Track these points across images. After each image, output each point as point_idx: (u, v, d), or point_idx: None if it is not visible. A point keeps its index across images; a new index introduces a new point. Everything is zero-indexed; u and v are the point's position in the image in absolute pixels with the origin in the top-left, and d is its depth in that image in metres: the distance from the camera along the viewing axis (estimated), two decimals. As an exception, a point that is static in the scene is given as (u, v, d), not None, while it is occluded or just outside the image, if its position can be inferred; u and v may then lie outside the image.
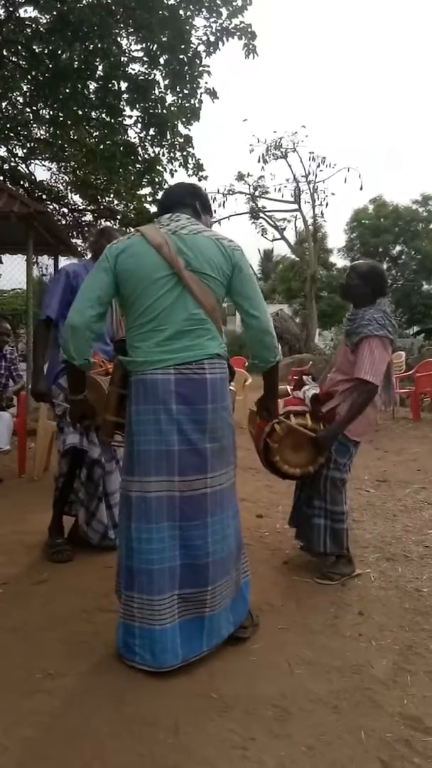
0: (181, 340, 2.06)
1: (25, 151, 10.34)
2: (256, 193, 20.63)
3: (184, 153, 8.64)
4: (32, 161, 10.72)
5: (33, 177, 10.72)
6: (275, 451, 2.76)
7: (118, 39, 7.42)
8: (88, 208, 11.18)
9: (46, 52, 7.09)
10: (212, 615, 2.13)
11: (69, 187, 11.30)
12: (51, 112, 8.15)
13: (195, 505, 2.08)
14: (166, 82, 7.93)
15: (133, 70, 7.83)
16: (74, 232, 11.76)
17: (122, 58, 7.46)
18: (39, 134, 9.92)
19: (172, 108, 8.06)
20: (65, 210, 11.46)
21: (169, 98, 8.09)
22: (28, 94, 8.18)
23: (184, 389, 2.05)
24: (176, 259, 2.05)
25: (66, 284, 3.12)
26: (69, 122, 8.10)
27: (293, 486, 3.23)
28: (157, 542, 2.04)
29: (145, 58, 7.81)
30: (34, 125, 9.51)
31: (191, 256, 2.07)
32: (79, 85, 7.27)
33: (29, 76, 7.62)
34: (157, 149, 8.75)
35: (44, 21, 7.30)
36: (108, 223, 10.96)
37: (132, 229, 2.26)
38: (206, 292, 2.09)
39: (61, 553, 3.09)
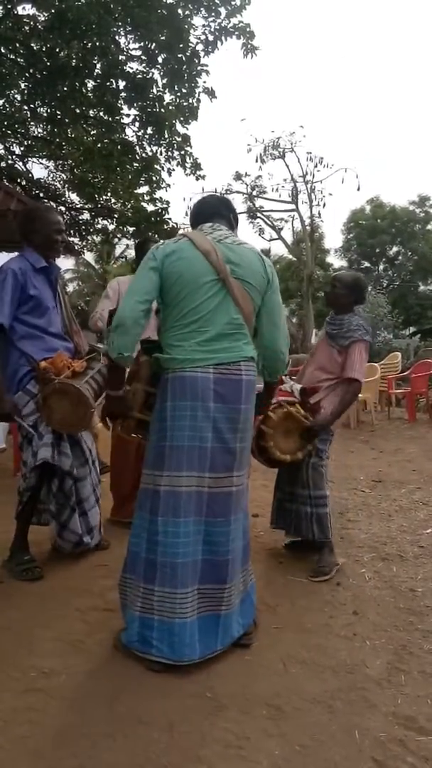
0: (221, 342, 2.15)
1: (22, 148, 10.31)
2: (254, 193, 20.64)
3: (182, 152, 8.63)
4: (30, 159, 10.69)
5: (30, 175, 10.69)
6: (269, 437, 2.85)
7: (117, 37, 7.41)
8: (86, 206, 11.16)
9: (44, 49, 7.08)
10: (227, 613, 2.18)
11: (66, 186, 11.28)
12: (49, 110, 8.13)
13: (221, 503, 2.16)
14: (165, 80, 7.92)
15: (131, 68, 7.83)
16: (71, 231, 11.74)
17: (120, 57, 7.45)
18: (36, 132, 9.90)
19: (170, 107, 8.05)
20: (62, 208, 11.42)
21: (167, 97, 8.10)
22: (25, 91, 8.15)
23: (222, 388, 2.13)
24: (223, 266, 2.15)
25: (15, 285, 2.81)
26: (67, 120, 8.08)
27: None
28: (184, 536, 2.09)
29: (143, 57, 7.80)
30: (32, 123, 9.49)
31: (237, 264, 2.19)
32: (77, 83, 7.26)
33: (27, 74, 7.60)
34: (154, 148, 8.74)
35: (42, 19, 7.28)
36: (105, 222, 10.96)
37: (179, 234, 2.34)
38: (246, 299, 2.20)
39: (31, 571, 2.86)
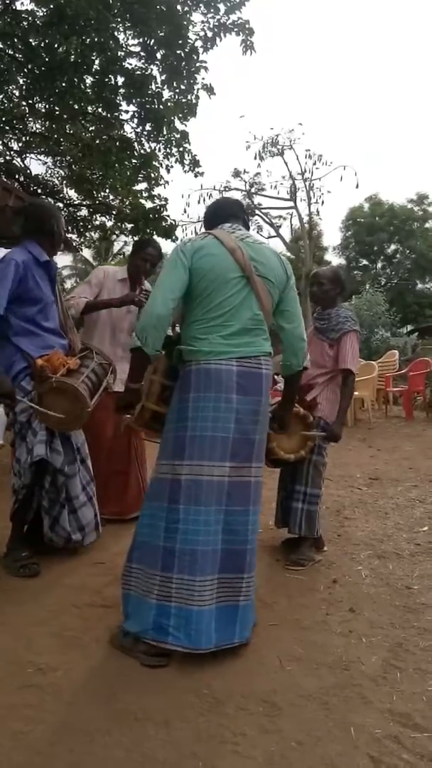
0: (243, 336, 2.22)
1: (20, 144, 10.27)
2: (252, 190, 20.60)
3: (181, 149, 8.58)
4: (28, 155, 10.65)
5: (28, 171, 10.65)
6: (272, 437, 2.84)
7: (115, 33, 7.35)
8: (84, 202, 11.12)
9: (42, 45, 7.02)
10: (245, 605, 2.21)
11: (64, 182, 11.23)
12: (47, 106, 8.08)
13: (241, 492, 2.21)
14: (163, 77, 7.87)
15: (130, 64, 7.76)
16: (69, 227, 11.70)
17: (119, 53, 7.39)
18: (35, 128, 9.85)
19: (169, 103, 8.00)
20: (60, 205, 11.39)
21: (166, 94, 8.04)
22: (24, 87, 8.09)
23: (244, 381, 2.20)
24: (249, 263, 2.24)
25: (15, 276, 2.78)
26: (65, 116, 8.04)
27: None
28: (204, 524, 2.13)
29: (142, 53, 7.75)
30: (30, 119, 9.44)
31: (259, 263, 2.28)
32: (76, 79, 7.20)
33: (25, 70, 7.55)
34: (153, 145, 8.68)
35: (41, 14, 7.23)
36: (103, 219, 10.93)
37: (204, 232, 2.42)
38: (267, 296, 2.29)
39: (28, 567, 2.86)
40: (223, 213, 2.50)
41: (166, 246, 7.41)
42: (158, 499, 2.21)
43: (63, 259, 26.35)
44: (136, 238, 9.51)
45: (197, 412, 2.17)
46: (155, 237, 8.88)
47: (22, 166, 10.52)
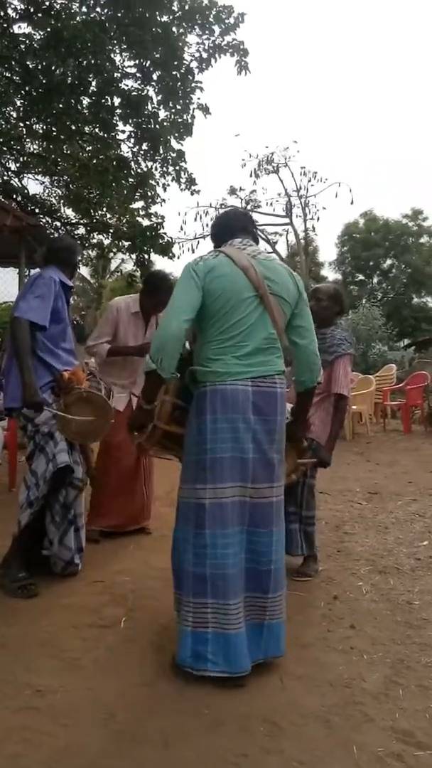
0: (257, 356, 2.19)
1: (18, 165, 10.37)
2: (248, 207, 20.76)
3: (177, 167, 8.67)
4: (25, 175, 10.74)
5: (26, 191, 10.73)
6: None
7: (112, 55, 7.47)
8: (81, 221, 11.19)
9: (39, 67, 7.13)
10: (271, 623, 2.18)
11: (62, 201, 11.32)
12: (44, 127, 8.19)
13: (263, 512, 2.18)
14: (159, 97, 7.99)
15: (127, 85, 7.88)
16: (67, 245, 11.75)
17: (115, 74, 7.50)
18: (32, 148, 9.95)
19: (165, 123, 8.10)
20: (58, 223, 11.45)
21: (162, 113, 8.15)
22: (21, 109, 8.20)
23: (260, 400, 2.16)
24: (262, 282, 2.19)
25: (54, 294, 2.90)
26: (62, 137, 8.13)
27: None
28: (232, 546, 2.12)
29: (138, 74, 7.87)
30: (28, 140, 9.54)
31: (272, 280, 2.23)
32: (73, 101, 7.31)
33: (23, 92, 7.65)
34: (149, 164, 8.79)
35: (38, 37, 7.35)
36: (101, 237, 10.99)
37: (215, 249, 2.35)
38: (280, 315, 2.26)
39: (26, 589, 2.79)
40: (233, 227, 2.43)
41: (164, 264, 7.47)
42: (186, 524, 2.20)
43: (60, 277, 26.37)
44: (133, 256, 9.58)
45: (215, 434, 2.14)
46: (152, 254, 8.97)
47: (20, 186, 10.60)
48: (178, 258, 12.88)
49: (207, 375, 2.19)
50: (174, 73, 7.62)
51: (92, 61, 6.88)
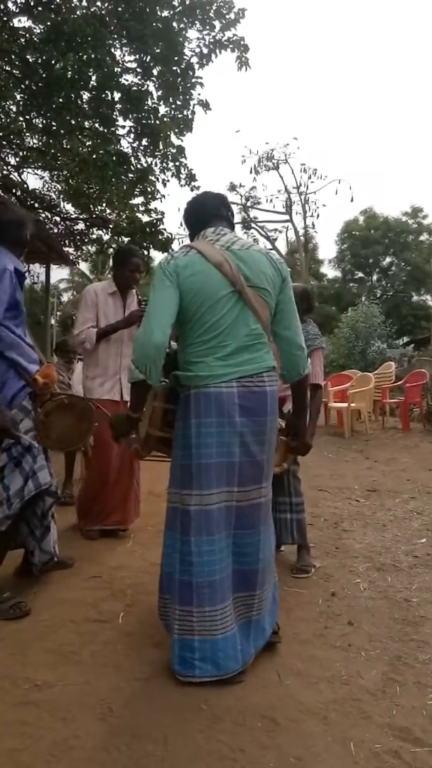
0: (241, 354, 2.10)
1: (17, 159, 10.35)
2: (248, 204, 20.80)
3: (177, 163, 8.66)
4: (25, 170, 10.72)
5: (26, 185, 10.73)
6: None
7: (112, 50, 7.45)
8: (81, 216, 11.19)
9: (39, 61, 7.11)
10: (258, 618, 2.19)
11: (61, 196, 11.31)
12: (44, 122, 8.16)
13: (250, 515, 2.16)
14: (159, 93, 7.97)
15: (127, 80, 7.87)
16: (66, 241, 11.75)
17: (116, 69, 7.48)
18: (32, 143, 9.93)
19: (165, 119, 8.09)
20: (57, 218, 11.46)
21: (162, 109, 8.13)
22: (21, 103, 8.18)
23: (247, 402, 2.09)
24: (238, 276, 2.08)
25: (12, 284, 2.54)
26: (62, 131, 8.11)
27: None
28: (218, 553, 2.09)
29: (138, 69, 7.86)
30: (27, 134, 9.52)
31: (249, 272, 2.11)
32: (73, 95, 7.28)
33: (23, 86, 7.64)
34: (149, 159, 8.77)
35: (38, 31, 7.32)
36: (100, 232, 10.98)
37: (186, 245, 2.20)
38: (263, 306, 2.14)
39: (18, 608, 2.58)
40: (206, 214, 2.28)
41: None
42: (173, 529, 2.17)
43: (60, 273, 26.36)
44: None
45: (200, 438, 2.07)
46: (152, 250, 8.96)
47: (20, 180, 10.59)
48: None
49: (190, 379, 2.11)
50: (174, 68, 7.60)
51: (92, 56, 6.85)
